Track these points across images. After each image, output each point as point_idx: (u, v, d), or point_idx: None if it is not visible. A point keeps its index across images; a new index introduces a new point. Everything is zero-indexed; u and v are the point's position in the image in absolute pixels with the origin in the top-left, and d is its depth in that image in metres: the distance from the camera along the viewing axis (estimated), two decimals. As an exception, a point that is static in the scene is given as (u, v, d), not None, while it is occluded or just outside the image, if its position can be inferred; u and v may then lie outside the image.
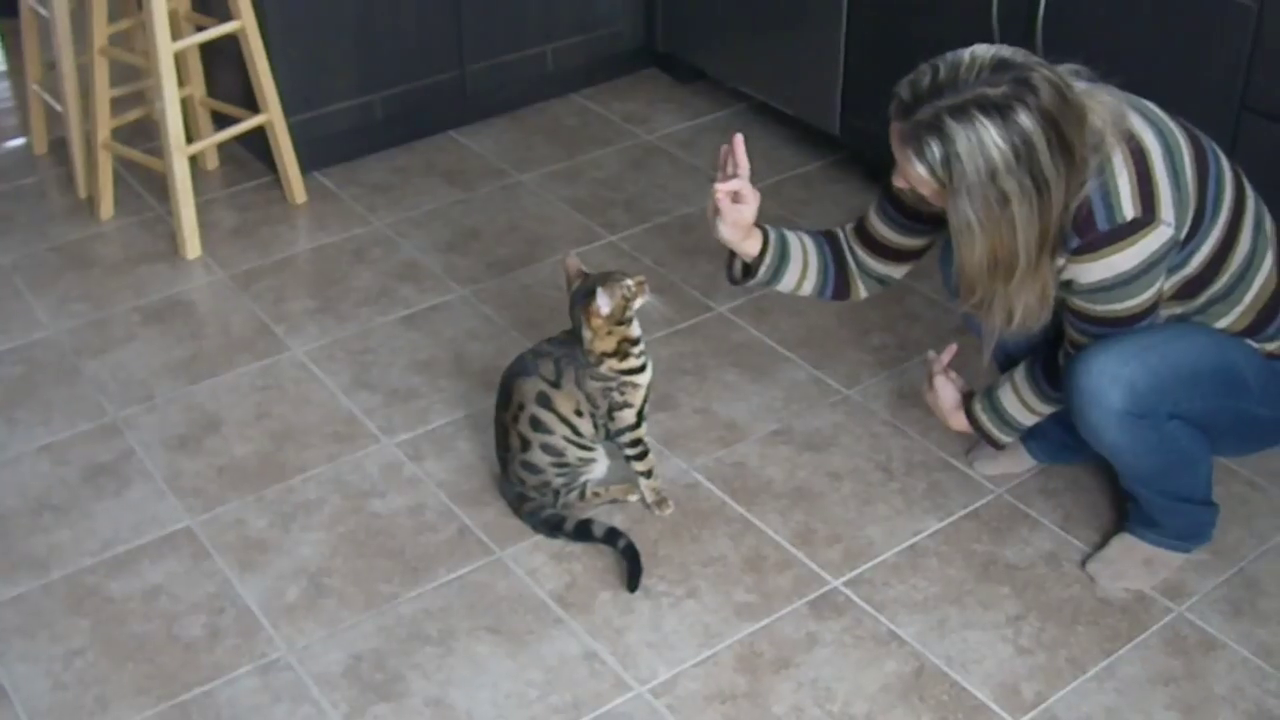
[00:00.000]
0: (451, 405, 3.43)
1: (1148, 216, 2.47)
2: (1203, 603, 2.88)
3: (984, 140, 2.34)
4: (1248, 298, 2.66)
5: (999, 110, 2.34)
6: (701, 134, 4.61)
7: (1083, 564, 2.96)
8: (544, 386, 2.96)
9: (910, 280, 3.77)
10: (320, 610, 2.88)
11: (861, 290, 2.96)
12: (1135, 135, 2.50)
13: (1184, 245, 2.55)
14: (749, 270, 2.90)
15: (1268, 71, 3.12)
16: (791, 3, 4.25)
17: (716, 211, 2.79)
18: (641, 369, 2.99)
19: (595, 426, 3.00)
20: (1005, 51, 2.40)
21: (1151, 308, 2.60)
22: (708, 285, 3.82)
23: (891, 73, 4.00)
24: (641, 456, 3.06)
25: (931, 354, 3.04)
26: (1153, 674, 2.73)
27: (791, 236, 2.91)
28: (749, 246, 2.85)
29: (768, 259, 2.86)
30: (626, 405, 2.99)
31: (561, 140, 4.59)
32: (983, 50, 2.41)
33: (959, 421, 3.00)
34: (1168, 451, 2.73)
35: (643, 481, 3.10)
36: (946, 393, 3.01)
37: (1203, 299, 2.65)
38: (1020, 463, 3.19)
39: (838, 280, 2.94)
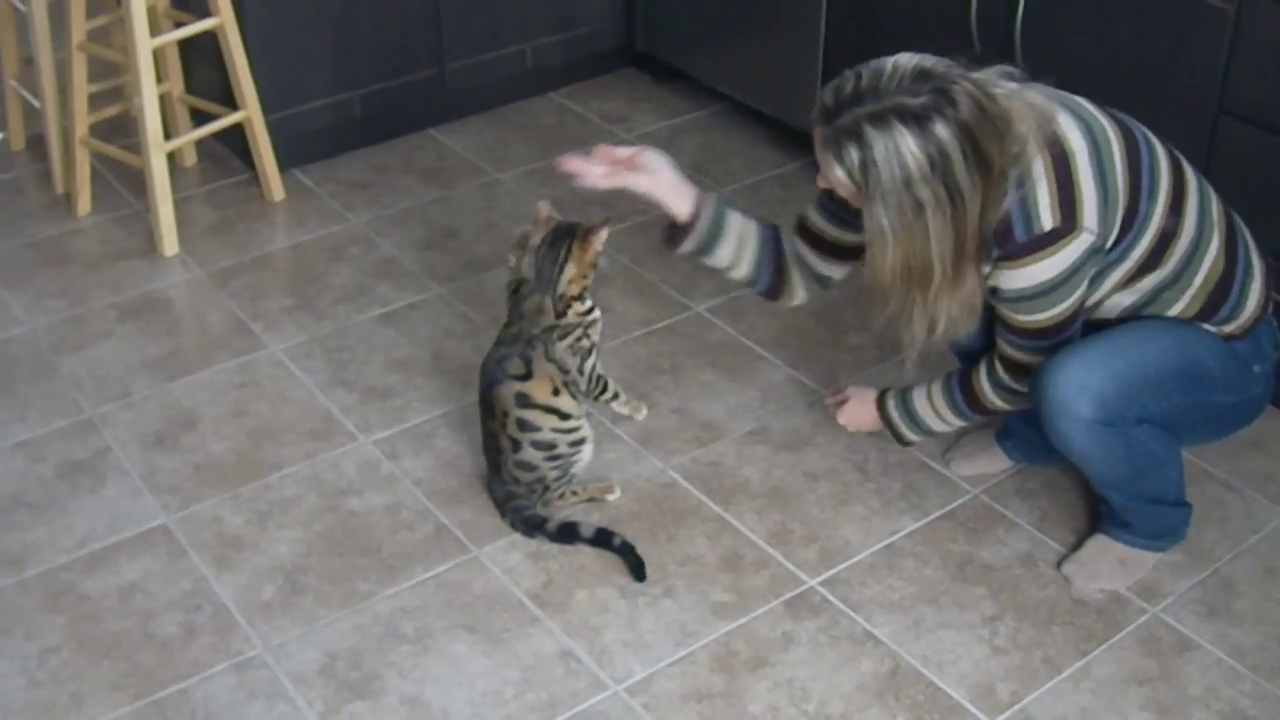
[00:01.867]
0: (429, 403, 3.43)
1: (1068, 225, 2.49)
2: (1177, 604, 2.89)
3: (900, 149, 2.36)
4: (1197, 280, 2.67)
5: (916, 120, 2.36)
6: (680, 133, 4.61)
7: (1058, 565, 2.97)
8: (518, 387, 2.97)
9: (888, 281, 3.78)
10: (296, 608, 2.88)
11: (799, 292, 2.97)
12: (1061, 138, 2.51)
13: (1118, 243, 2.57)
14: (677, 235, 2.91)
15: (1244, 75, 3.13)
16: (770, 3, 4.26)
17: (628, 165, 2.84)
18: (593, 308, 3.04)
19: (574, 396, 3.02)
20: (928, 62, 2.42)
21: (1073, 317, 2.63)
22: (685, 285, 3.82)
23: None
24: (606, 389, 3.14)
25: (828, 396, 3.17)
26: (1128, 674, 2.74)
27: (735, 217, 2.92)
28: (679, 207, 2.87)
29: (702, 223, 2.87)
30: (593, 348, 3.03)
31: (540, 139, 4.59)
32: (906, 59, 2.42)
33: (871, 412, 3.05)
34: (1137, 456, 2.74)
35: (616, 405, 3.19)
36: (863, 396, 3.07)
37: (1150, 285, 2.66)
38: (997, 463, 3.20)
39: (774, 271, 2.95)
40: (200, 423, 3.37)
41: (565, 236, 2.98)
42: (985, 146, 2.38)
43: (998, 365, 2.76)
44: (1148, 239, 2.60)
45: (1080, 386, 2.61)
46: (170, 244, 3.98)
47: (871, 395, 3.05)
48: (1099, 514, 3.00)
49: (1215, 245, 2.68)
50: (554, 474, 3.03)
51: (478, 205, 4.23)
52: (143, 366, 3.55)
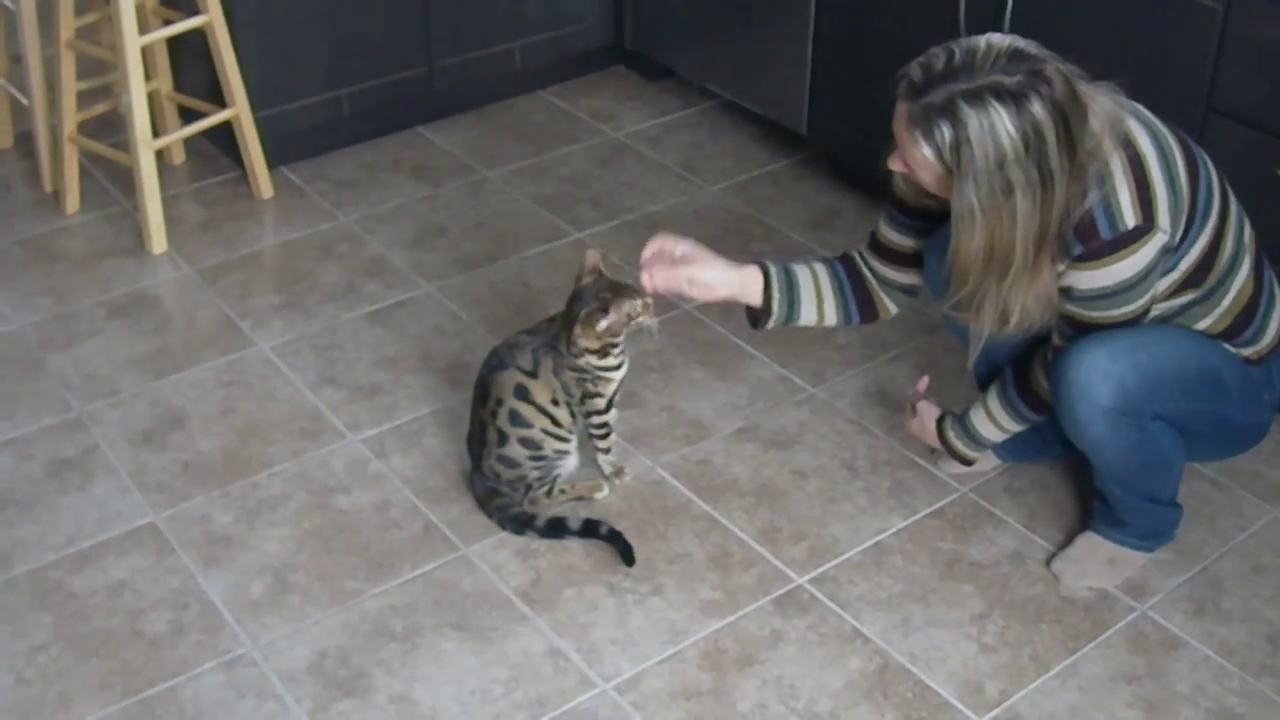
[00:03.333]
0: (417, 401, 3.42)
1: (1147, 224, 2.49)
2: (1165, 601, 2.90)
3: (996, 126, 2.34)
4: (1226, 300, 2.68)
5: (1014, 98, 2.34)
6: (669, 132, 4.61)
7: (1047, 563, 2.97)
8: (521, 378, 2.98)
9: (876, 279, 3.78)
10: (285, 606, 2.88)
11: (890, 307, 2.97)
12: (1132, 140, 2.51)
13: (1175, 249, 2.57)
14: (759, 319, 2.93)
15: (1233, 73, 3.13)
16: (759, 2, 4.26)
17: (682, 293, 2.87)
18: (618, 366, 3.02)
19: (571, 414, 3.02)
20: (1020, 42, 2.41)
21: (1142, 314, 2.62)
22: (675, 283, 3.82)
23: (859, 72, 4.03)
24: (604, 437, 3.12)
25: (916, 388, 3.13)
26: (1116, 672, 2.75)
27: (798, 269, 2.92)
28: (749, 293, 2.89)
29: (776, 297, 2.88)
30: (598, 395, 3.01)
31: (529, 137, 4.59)
32: (999, 39, 2.41)
33: (932, 431, 3.06)
34: (1148, 452, 2.74)
35: (600, 456, 3.15)
36: (928, 415, 3.07)
37: (1185, 300, 2.67)
38: (984, 461, 3.20)
39: (861, 301, 2.94)
40: (188, 421, 3.37)
41: (586, 302, 2.94)
42: (1075, 129, 2.38)
43: (1049, 355, 2.76)
44: (1198, 250, 2.60)
45: (1104, 373, 2.61)
46: (159, 242, 3.98)
47: (934, 415, 3.06)
48: (1088, 512, 3.00)
49: (1246, 268, 2.69)
50: (535, 474, 3.03)
51: (466, 203, 4.23)
52: (131, 364, 3.54)
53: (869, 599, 2.90)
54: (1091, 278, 2.55)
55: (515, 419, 2.98)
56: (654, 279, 2.83)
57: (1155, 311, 2.68)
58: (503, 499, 3.04)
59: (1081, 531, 2.99)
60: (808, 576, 2.96)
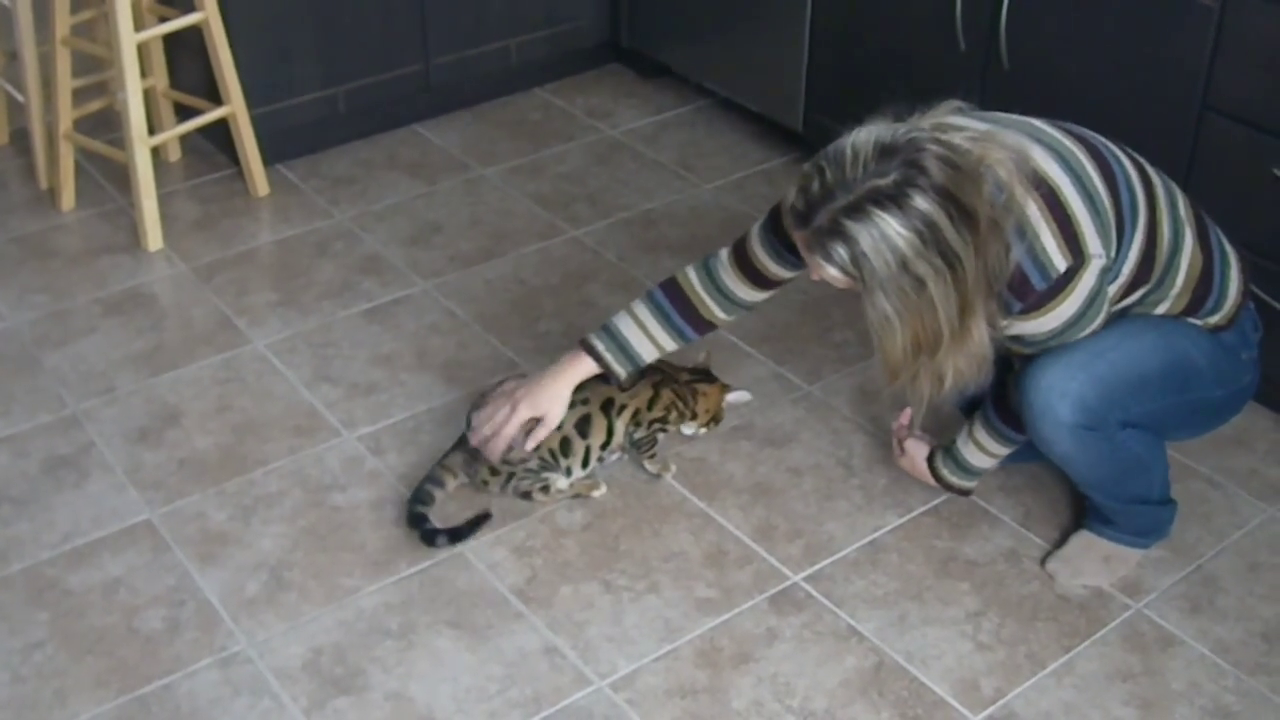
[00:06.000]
0: (413, 399, 3.42)
1: (1078, 261, 2.48)
2: (1161, 600, 2.90)
3: (886, 233, 2.30)
4: (1179, 280, 2.67)
5: (894, 200, 2.30)
6: (665, 129, 4.61)
7: (1042, 562, 2.97)
8: (615, 394, 3.07)
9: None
10: (281, 604, 2.88)
11: (723, 317, 2.96)
12: (1041, 176, 2.48)
13: (1113, 264, 2.57)
14: (612, 374, 2.98)
15: (1228, 71, 3.13)
16: (756, -1, 4.27)
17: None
18: (699, 417, 3.22)
19: (626, 433, 3.14)
20: (885, 135, 2.35)
21: (1101, 327, 2.63)
22: (670, 281, 3.82)
23: (855, 69, 4.03)
24: (652, 448, 3.20)
25: (895, 423, 3.15)
26: (1111, 670, 2.75)
27: (619, 320, 2.96)
28: (590, 371, 2.97)
29: (609, 359, 2.95)
30: (666, 425, 3.17)
31: (525, 134, 4.59)
32: (863, 138, 2.35)
33: (929, 479, 3.08)
34: (1120, 460, 2.75)
35: (646, 461, 3.20)
36: (917, 453, 3.09)
37: (1137, 295, 2.67)
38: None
39: (690, 320, 2.94)
40: (184, 418, 3.36)
41: (678, 383, 3.16)
42: (967, 201, 2.33)
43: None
44: (1136, 252, 2.59)
45: (1061, 392, 2.62)
46: (154, 239, 3.97)
47: (924, 453, 3.07)
48: (1083, 510, 3.00)
49: (1189, 241, 2.68)
50: (531, 465, 3.03)
51: (462, 201, 4.23)
52: (127, 361, 3.54)
53: (864, 597, 2.90)
54: (1039, 324, 2.56)
55: (582, 425, 3.04)
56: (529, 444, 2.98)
57: (1114, 309, 2.68)
58: (482, 473, 3.07)
59: (1076, 530, 2.99)
60: (803, 574, 2.96)
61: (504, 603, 2.88)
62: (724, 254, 2.90)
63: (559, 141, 4.55)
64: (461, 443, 3.09)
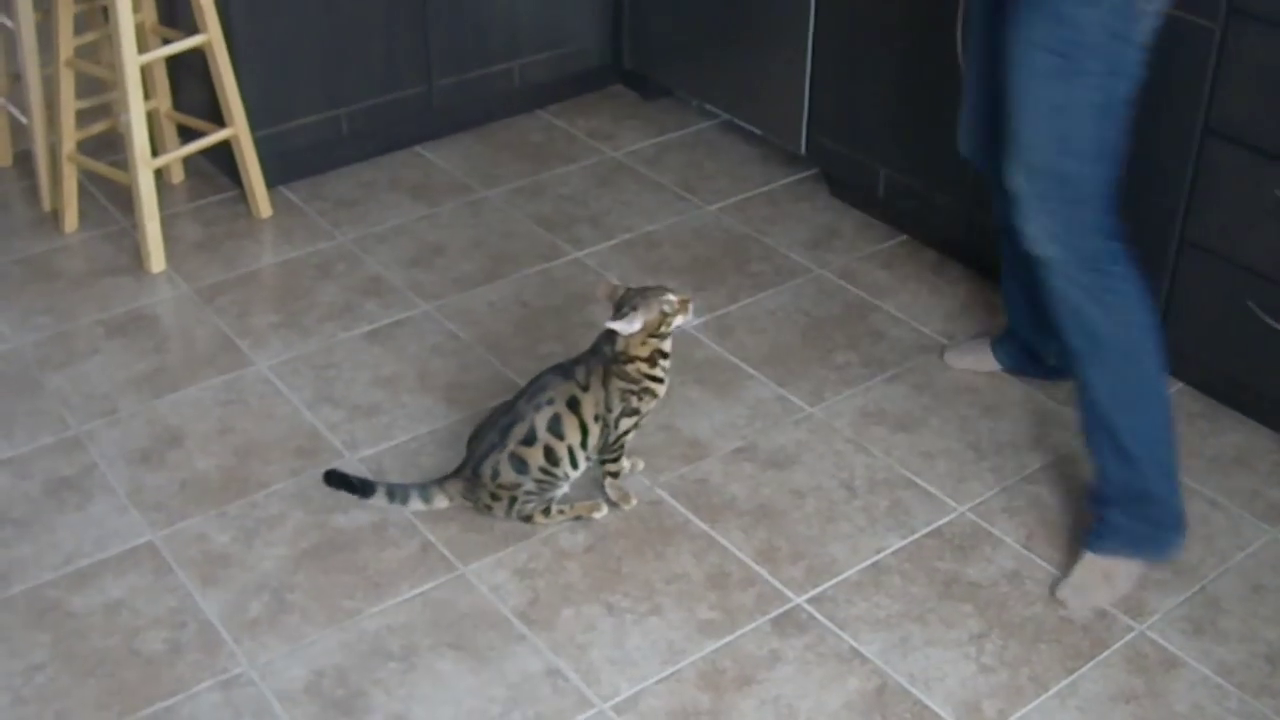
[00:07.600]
0: (415, 421, 3.42)
1: None
2: (1164, 621, 2.90)
3: None
4: None
5: None
6: (667, 151, 4.62)
7: (1052, 591, 2.96)
8: (576, 391, 3.03)
9: (874, 298, 3.79)
10: (282, 625, 2.88)
11: None
12: None
13: None
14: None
15: (1229, 94, 3.14)
16: (757, 21, 4.27)
17: None
18: (662, 380, 3.08)
19: (601, 434, 3.07)
20: None
21: None
22: (673, 302, 3.82)
23: (857, 92, 4.04)
24: (616, 459, 3.14)
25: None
26: (1114, 692, 2.75)
27: None
28: None
29: None
30: (636, 413, 3.07)
31: (527, 156, 4.59)
32: None
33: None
34: (1115, 309, 2.80)
35: (608, 480, 3.16)
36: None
37: None
38: (986, 364, 3.47)
39: None
40: (186, 439, 3.37)
41: (627, 308, 3.02)
42: None
43: None
44: None
45: (1033, 238, 2.76)
46: (157, 260, 3.98)
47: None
48: (1086, 531, 3.00)
49: None
50: (531, 488, 3.03)
51: (465, 222, 4.24)
52: (129, 383, 3.55)
53: (867, 619, 2.90)
54: None
55: (555, 425, 3.00)
56: None
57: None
58: (480, 493, 3.07)
59: (1080, 555, 2.99)
60: (806, 596, 2.95)
61: (506, 625, 2.88)
62: None
63: (561, 163, 4.55)
64: (463, 468, 3.09)
